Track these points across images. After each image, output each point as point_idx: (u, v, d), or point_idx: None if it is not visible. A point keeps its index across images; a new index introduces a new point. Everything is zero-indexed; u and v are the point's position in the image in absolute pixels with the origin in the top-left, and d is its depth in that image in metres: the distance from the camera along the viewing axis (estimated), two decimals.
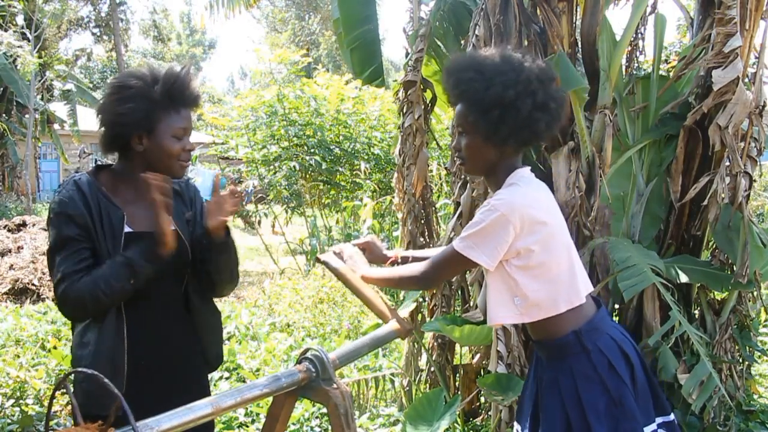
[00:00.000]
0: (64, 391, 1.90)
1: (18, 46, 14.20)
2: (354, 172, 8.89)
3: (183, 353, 2.04)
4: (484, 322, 3.15)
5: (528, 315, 1.81)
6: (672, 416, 1.90)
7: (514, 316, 1.82)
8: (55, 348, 4.57)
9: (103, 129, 1.89)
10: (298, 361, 1.69)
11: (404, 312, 3.54)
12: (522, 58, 1.81)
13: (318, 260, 2.19)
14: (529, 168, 1.88)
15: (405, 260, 2.16)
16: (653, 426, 1.84)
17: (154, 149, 1.88)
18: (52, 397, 1.39)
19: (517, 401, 2.93)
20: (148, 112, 1.85)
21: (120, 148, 1.92)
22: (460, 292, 3.81)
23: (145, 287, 1.91)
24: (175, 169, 1.93)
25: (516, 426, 2.04)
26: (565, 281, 1.81)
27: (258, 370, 4.46)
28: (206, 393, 2.12)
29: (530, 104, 1.75)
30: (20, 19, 16.91)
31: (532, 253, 1.75)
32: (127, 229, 1.89)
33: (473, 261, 1.77)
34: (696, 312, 3.42)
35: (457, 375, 3.72)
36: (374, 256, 2.20)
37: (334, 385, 1.65)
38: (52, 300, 6.58)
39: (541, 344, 1.89)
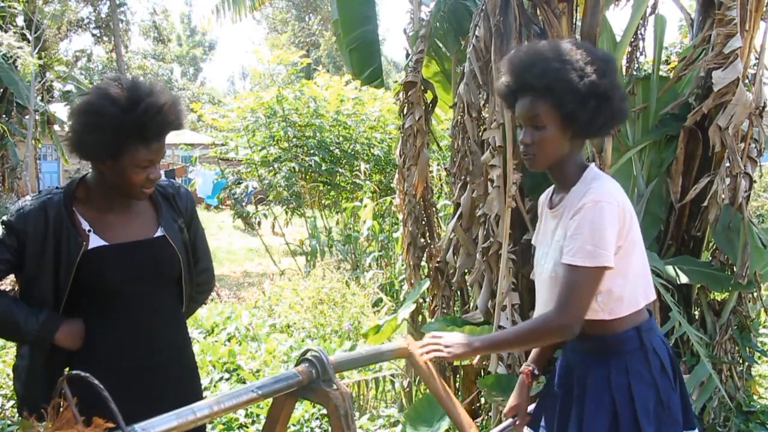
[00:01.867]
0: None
1: (18, 47, 14.19)
2: (354, 173, 8.89)
3: (174, 354, 2.05)
4: (485, 323, 3.15)
5: (608, 311, 1.74)
6: (696, 431, 1.87)
7: (590, 313, 1.74)
8: None
9: (70, 141, 1.84)
10: (298, 362, 1.69)
11: (404, 313, 3.54)
12: (596, 49, 1.78)
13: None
14: (595, 164, 1.83)
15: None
16: None
17: (115, 174, 1.85)
18: (52, 398, 1.39)
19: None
20: (113, 143, 1.78)
21: (88, 160, 1.90)
22: (459, 293, 3.80)
23: (132, 292, 1.93)
24: (135, 194, 1.91)
25: (527, 431, 2.01)
26: (643, 275, 1.80)
27: (258, 371, 4.45)
28: (198, 394, 2.12)
29: (618, 95, 1.72)
30: (20, 20, 16.91)
31: (623, 245, 1.71)
32: (100, 243, 1.89)
33: (605, 267, 1.65)
34: (696, 313, 3.42)
35: (458, 376, 3.71)
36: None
37: (334, 386, 1.64)
38: None
39: (595, 339, 1.81)
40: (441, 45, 4.00)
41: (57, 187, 1.95)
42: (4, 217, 1.87)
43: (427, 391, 3.65)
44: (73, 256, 1.85)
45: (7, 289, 1.97)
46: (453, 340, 1.87)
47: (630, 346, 1.77)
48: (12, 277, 2.00)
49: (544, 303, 1.84)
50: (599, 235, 1.65)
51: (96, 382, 1.22)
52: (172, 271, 2.01)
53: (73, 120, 1.82)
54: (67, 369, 1.96)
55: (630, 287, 1.75)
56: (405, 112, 3.74)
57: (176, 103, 1.87)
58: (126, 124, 1.77)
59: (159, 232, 1.99)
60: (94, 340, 1.91)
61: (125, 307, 1.93)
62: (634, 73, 3.83)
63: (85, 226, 1.90)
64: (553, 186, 1.92)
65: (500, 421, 3.02)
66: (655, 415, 1.72)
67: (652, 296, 1.82)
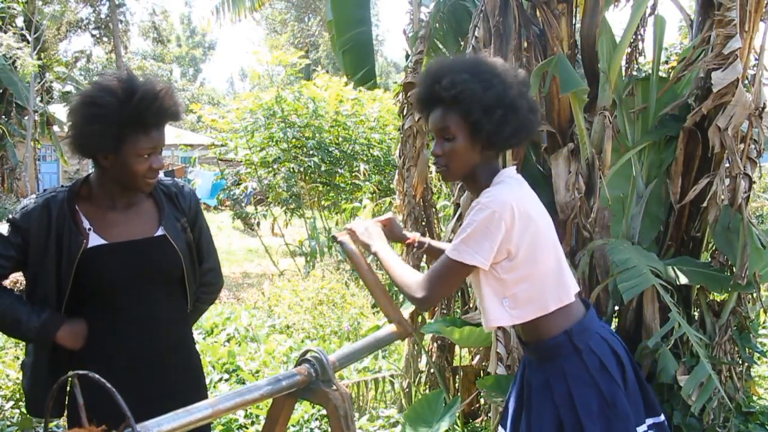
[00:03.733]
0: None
1: (17, 48, 14.21)
2: (353, 174, 8.88)
3: (176, 354, 2.05)
4: None
5: (518, 316, 1.79)
6: (662, 417, 1.89)
7: (506, 318, 1.80)
8: None
9: (71, 138, 1.87)
10: (298, 363, 1.69)
11: (404, 313, 3.54)
12: (506, 64, 1.85)
13: (334, 239, 2.06)
14: (515, 168, 1.87)
15: (421, 245, 2.18)
16: (644, 427, 1.83)
17: (118, 168, 1.86)
18: (50, 398, 1.39)
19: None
20: (114, 134, 1.80)
21: (90, 157, 1.92)
22: (460, 294, 3.81)
23: (131, 291, 1.93)
24: (140, 186, 1.91)
25: (501, 430, 2.03)
26: (553, 279, 1.81)
27: (257, 371, 4.45)
28: (201, 394, 2.12)
29: (526, 105, 1.76)
30: (20, 21, 16.92)
31: (520, 251, 1.73)
32: (99, 241, 1.90)
33: (469, 265, 1.72)
34: (695, 313, 3.41)
35: (457, 377, 3.71)
36: (393, 234, 2.16)
37: (334, 387, 1.65)
38: None
39: (531, 347, 1.87)
40: (441, 46, 4.01)
41: (62, 186, 1.98)
42: (10, 216, 1.90)
43: (427, 391, 3.65)
44: (74, 253, 1.87)
45: (12, 289, 1.99)
46: (369, 230, 2.02)
47: (562, 350, 1.79)
48: (13, 277, 2.02)
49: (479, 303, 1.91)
50: (471, 236, 1.70)
51: (104, 381, 1.22)
52: (172, 270, 2.01)
53: (73, 114, 1.85)
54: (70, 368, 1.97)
55: (536, 293, 1.78)
56: (405, 113, 3.74)
57: (172, 91, 1.90)
58: (124, 113, 1.79)
59: (159, 231, 1.99)
60: (95, 339, 1.92)
61: (125, 306, 1.94)
62: (634, 73, 3.83)
63: (86, 224, 1.91)
64: None
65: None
66: (600, 414, 1.74)
67: (566, 299, 1.82)
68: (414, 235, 2.19)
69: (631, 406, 1.79)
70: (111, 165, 1.86)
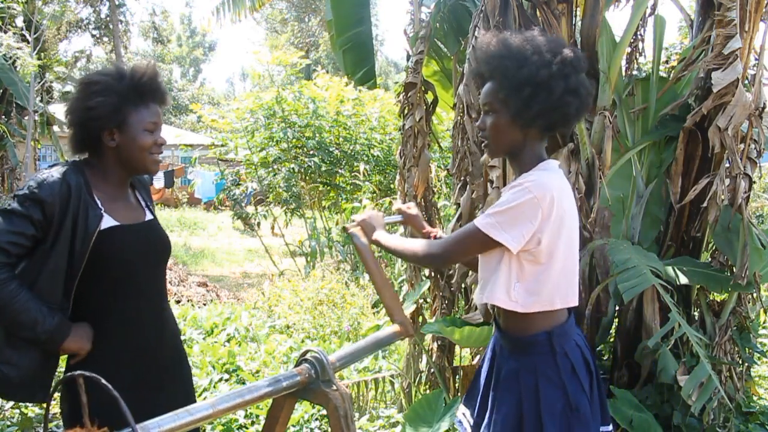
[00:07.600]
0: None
1: (17, 48, 14.20)
2: (353, 174, 8.88)
3: (176, 338, 2.09)
4: (485, 323, 3.15)
5: (522, 304, 1.78)
6: (610, 427, 1.92)
7: (507, 302, 1.79)
8: None
9: (73, 128, 1.90)
10: (298, 363, 1.69)
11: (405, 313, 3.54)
12: (558, 42, 1.81)
13: (345, 230, 2.14)
14: (558, 163, 1.87)
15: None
16: None
17: (126, 143, 1.89)
18: (50, 398, 1.39)
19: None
20: (117, 106, 1.86)
21: (92, 146, 1.92)
22: (462, 294, 3.80)
23: (141, 272, 1.94)
24: (147, 162, 1.94)
25: (462, 409, 2.05)
26: (567, 278, 1.81)
27: (257, 371, 4.46)
28: (189, 382, 2.14)
29: (562, 87, 1.73)
30: (19, 21, 16.91)
31: (548, 243, 1.73)
32: (113, 222, 1.89)
33: (496, 241, 1.71)
34: (696, 314, 3.41)
35: (457, 377, 3.71)
36: (414, 223, 2.24)
37: (334, 387, 1.65)
38: None
39: (509, 336, 1.87)
40: (441, 45, 4.01)
41: (63, 162, 1.91)
42: (26, 190, 1.78)
43: (427, 391, 3.65)
44: (92, 229, 1.82)
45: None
46: (373, 218, 2.08)
47: (539, 349, 1.80)
48: None
49: (481, 276, 1.91)
50: (506, 214, 1.70)
51: (105, 382, 1.22)
52: (169, 252, 2.09)
53: (72, 101, 1.91)
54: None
55: (548, 286, 1.77)
56: (405, 113, 3.75)
57: (156, 68, 2.00)
58: (122, 89, 1.88)
59: (149, 216, 2.05)
60: (104, 327, 1.90)
61: (136, 288, 1.93)
62: (634, 73, 3.83)
63: (99, 204, 1.90)
64: None
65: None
66: (562, 415, 1.75)
67: (572, 302, 1.84)
68: (435, 231, 2.22)
69: (593, 413, 1.82)
70: (118, 144, 1.89)
